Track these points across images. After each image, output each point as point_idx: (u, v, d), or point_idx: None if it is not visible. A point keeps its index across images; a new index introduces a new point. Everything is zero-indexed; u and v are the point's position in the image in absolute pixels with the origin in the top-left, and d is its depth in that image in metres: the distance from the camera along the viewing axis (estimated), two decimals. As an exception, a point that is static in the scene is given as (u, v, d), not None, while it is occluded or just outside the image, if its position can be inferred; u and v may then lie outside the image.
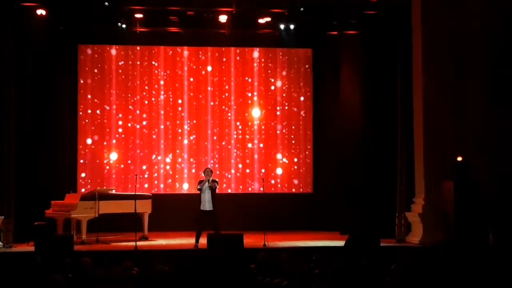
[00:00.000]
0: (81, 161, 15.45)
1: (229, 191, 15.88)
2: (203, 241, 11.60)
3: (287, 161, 16.14)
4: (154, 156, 15.73)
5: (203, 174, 12.69)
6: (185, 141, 15.85)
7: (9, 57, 12.97)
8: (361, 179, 14.92)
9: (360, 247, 11.07)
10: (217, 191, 12.42)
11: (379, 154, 14.59)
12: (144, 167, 15.65)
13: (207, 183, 12.19)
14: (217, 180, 12.73)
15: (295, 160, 16.18)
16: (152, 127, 15.78)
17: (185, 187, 15.70)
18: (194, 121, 15.91)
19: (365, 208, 14.63)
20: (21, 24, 13.59)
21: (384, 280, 6.93)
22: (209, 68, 16.00)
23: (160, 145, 15.80)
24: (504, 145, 12.63)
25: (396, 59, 13.65)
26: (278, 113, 16.18)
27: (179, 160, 15.80)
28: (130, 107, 15.71)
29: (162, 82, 15.84)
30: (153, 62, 15.85)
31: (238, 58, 16.10)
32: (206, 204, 12.16)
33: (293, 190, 16.12)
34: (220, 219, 12.36)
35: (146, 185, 15.52)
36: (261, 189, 14.19)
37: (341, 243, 11.86)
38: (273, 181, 15.99)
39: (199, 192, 12.32)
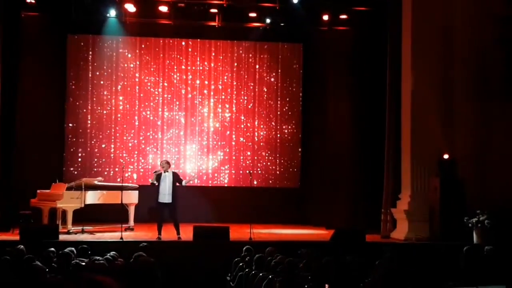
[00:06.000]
0: (68, 150, 15.40)
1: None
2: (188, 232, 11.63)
3: (274, 156, 16.15)
4: (143, 146, 15.72)
5: (159, 166, 12.39)
6: (176, 133, 15.85)
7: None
8: (347, 175, 14.98)
9: (345, 242, 11.14)
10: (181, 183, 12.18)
11: (366, 150, 14.66)
12: (130, 158, 15.63)
13: (166, 174, 11.94)
14: (178, 173, 12.47)
15: (283, 154, 16.19)
16: (139, 118, 15.73)
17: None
18: (183, 113, 15.88)
19: (351, 204, 14.70)
20: (10, 13, 13.46)
21: (368, 276, 6.97)
22: (198, 61, 15.97)
23: (149, 136, 15.78)
24: (489, 144, 12.74)
25: (386, 56, 13.67)
26: (267, 106, 16.18)
27: (166, 152, 15.78)
28: (120, 97, 15.67)
29: (152, 72, 15.81)
30: (142, 53, 15.79)
31: (228, 51, 16.06)
32: (166, 196, 11.94)
33: (281, 184, 16.13)
34: (179, 211, 12.18)
35: (131, 174, 15.51)
36: (252, 179, 14.16)
37: (326, 237, 11.92)
38: (260, 174, 16.01)
39: (153, 184, 12.00)
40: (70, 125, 15.45)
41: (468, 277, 7.00)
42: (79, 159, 15.45)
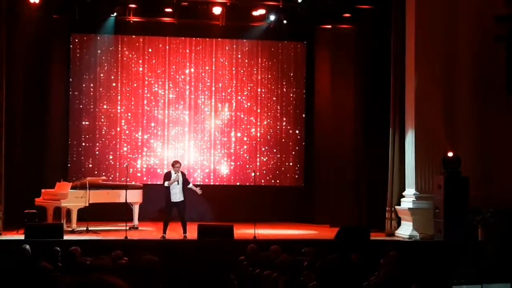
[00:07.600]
0: (73, 149, 15.43)
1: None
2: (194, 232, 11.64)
3: (278, 154, 16.15)
4: (152, 141, 15.75)
5: (172, 169, 12.31)
6: (179, 132, 15.88)
7: (1, 44, 12.86)
8: (352, 173, 14.97)
9: (350, 240, 11.13)
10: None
11: (371, 148, 14.63)
12: (138, 155, 15.65)
13: (176, 177, 12.08)
14: (185, 173, 12.69)
15: (286, 153, 16.19)
16: (144, 117, 15.76)
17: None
18: (186, 112, 15.90)
19: (355, 202, 14.69)
20: (14, 12, 13.48)
21: (373, 274, 6.96)
22: (201, 60, 15.97)
23: (154, 133, 15.81)
24: (492, 141, 12.74)
25: (389, 55, 13.64)
26: (270, 105, 16.17)
27: (172, 148, 15.80)
28: (122, 95, 15.69)
29: (159, 74, 15.85)
30: (146, 52, 15.81)
31: (231, 49, 16.07)
32: (178, 195, 12.10)
33: (284, 183, 16.13)
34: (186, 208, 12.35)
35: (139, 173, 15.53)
36: (256, 178, 14.08)
37: (331, 236, 11.91)
38: (264, 173, 16.02)
39: (166, 186, 12.10)
40: (74, 123, 15.46)
41: (473, 275, 6.99)
42: (84, 159, 15.46)
